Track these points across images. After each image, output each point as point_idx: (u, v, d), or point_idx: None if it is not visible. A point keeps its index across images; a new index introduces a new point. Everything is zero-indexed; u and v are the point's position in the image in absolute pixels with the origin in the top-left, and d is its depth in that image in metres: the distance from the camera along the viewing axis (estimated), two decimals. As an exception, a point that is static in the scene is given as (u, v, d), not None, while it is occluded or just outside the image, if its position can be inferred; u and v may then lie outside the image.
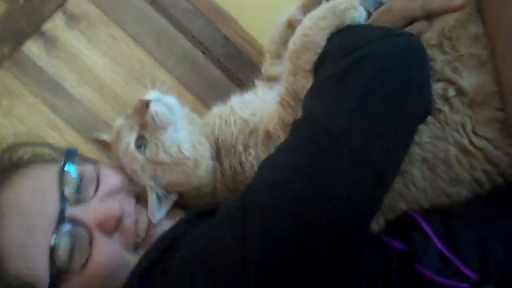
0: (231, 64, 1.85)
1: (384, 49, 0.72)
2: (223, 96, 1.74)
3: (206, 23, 1.83)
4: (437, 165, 0.84)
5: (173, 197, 0.93)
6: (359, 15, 0.80)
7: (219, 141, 0.93)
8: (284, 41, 0.98)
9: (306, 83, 0.80)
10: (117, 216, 0.87)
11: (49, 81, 1.72)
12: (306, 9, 0.94)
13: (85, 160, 0.97)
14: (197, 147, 0.90)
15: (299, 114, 0.79)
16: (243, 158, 0.89)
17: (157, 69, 1.79)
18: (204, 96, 1.79)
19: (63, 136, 1.72)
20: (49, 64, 1.71)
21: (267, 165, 0.75)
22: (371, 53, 0.71)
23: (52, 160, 0.97)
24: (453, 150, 0.83)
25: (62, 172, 0.87)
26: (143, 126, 0.89)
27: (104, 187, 0.91)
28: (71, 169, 0.91)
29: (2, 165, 0.90)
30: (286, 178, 0.69)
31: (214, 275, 0.70)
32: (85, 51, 1.74)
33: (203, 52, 1.84)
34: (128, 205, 0.91)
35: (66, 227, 0.82)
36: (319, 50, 0.78)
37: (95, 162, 0.96)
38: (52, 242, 0.80)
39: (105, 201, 0.89)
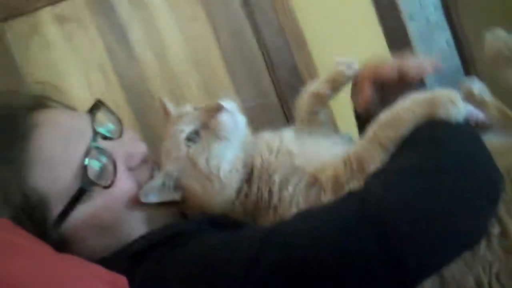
0: (287, 91, 1.84)
1: (476, 178, 0.72)
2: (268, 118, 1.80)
3: (284, 43, 1.82)
4: (450, 285, 0.83)
5: (176, 196, 0.92)
6: (456, 112, 0.78)
7: (257, 164, 0.92)
8: (311, 111, 0.99)
9: (376, 156, 0.79)
10: (144, 152, 0.92)
11: (119, 26, 1.72)
12: (334, 84, 0.95)
13: (110, 112, 0.98)
14: (233, 173, 0.89)
15: (356, 180, 0.80)
16: (275, 188, 0.88)
17: (219, 61, 1.78)
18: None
19: (105, 82, 1.72)
20: (126, 11, 1.71)
21: (307, 217, 0.75)
22: (462, 176, 0.71)
23: None
24: (471, 282, 0.82)
25: (91, 109, 0.92)
26: (204, 125, 0.89)
27: (129, 136, 0.95)
28: (102, 116, 0.95)
29: (36, 96, 0.92)
30: (314, 240, 0.69)
31: None
32: (165, 18, 1.74)
33: (267, 69, 1.83)
34: (150, 154, 0.96)
35: (96, 152, 0.84)
36: (402, 132, 0.78)
37: (118, 117, 0.97)
38: (86, 160, 0.83)
39: (134, 140, 0.94)
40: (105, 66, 1.74)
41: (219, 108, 0.88)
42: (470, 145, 0.78)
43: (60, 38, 1.71)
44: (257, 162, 0.91)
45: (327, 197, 0.83)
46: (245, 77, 1.85)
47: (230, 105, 0.89)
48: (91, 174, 0.82)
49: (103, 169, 0.85)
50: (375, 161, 0.80)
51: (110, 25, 1.74)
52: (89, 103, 0.97)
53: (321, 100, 0.97)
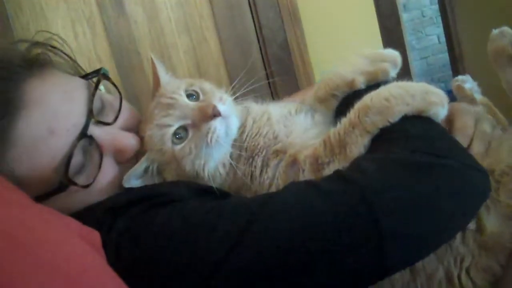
0: (276, 66, 1.83)
1: (465, 175, 0.72)
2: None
3: (277, 17, 1.82)
4: (420, 274, 0.84)
5: (158, 180, 0.90)
6: (442, 114, 0.80)
7: (245, 144, 0.90)
8: (332, 94, 0.96)
9: (359, 140, 0.79)
10: (134, 148, 0.87)
11: None
12: (370, 78, 0.92)
13: (113, 85, 0.94)
14: (217, 172, 0.87)
15: (337, 162, 0.80)
16: (256, 172, 0.87)
17: (211, 29, 1.77)
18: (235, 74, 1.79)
19: (92, 35, 1.68)
20: None
21: (296, 192, 0.73)
22: (453, 171, 0.71)
23: (73, 74, 0.94)
24: (441, 273, 0.84)
25: (95, 88, 0.85)
26: (194, 124, 0.86)
27: (124, 118, 0.90)
28: (102, 90, 0.90)
29: (30, 58, 0.86)
30: (305, 217, 0.69)
31: (182, 261, 0.69)
32: None
33: (258, 42, 1.83)
34: (140, 144, 0.90)
35: (85, 142, 0.80)
36: (391, 120, 0.77)
37: (120, 92, 0.93)
38: (69, 150, 0.77)
39: (126, 132, 0.88)
40: (93, 19, 1.70)
41: (213, 113, 0.84)
42: (458, 146, 0.79)
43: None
44: (245, 141, 0.90)
45: (305, 177, 0.82)
46: (235, 47, 1.83)
47: (224, 108, 0.86)
48: (74, 165, 0.78)
49: (87, 162, 0.81)
50: (359, 145, 0.80)
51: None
52: (71, 53, 0.94)
53: (349, 87, 0.92)
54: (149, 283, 0.69)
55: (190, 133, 0.85)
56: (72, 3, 1.68)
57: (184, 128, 0.85)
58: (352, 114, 0.82)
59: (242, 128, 0.92)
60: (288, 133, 0.90)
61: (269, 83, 1.86)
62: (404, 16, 4.56)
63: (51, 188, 0.77)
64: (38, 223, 0.62)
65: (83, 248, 0.63)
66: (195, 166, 0.85)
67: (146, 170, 0.87)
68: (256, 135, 0.90)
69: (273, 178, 0.86)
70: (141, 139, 0.90)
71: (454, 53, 3.77)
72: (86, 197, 0.81)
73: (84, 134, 0.80)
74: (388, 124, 0.78)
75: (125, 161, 0.86)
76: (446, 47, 4.28)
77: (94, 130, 0.82)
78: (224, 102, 0.86)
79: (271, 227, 0.69)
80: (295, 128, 0.91)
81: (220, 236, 0.69)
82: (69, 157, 0.78)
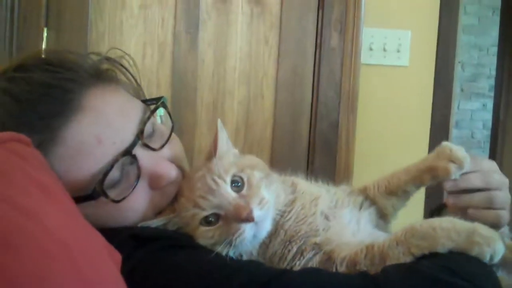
0: (320, 143, 1.85)
1: None
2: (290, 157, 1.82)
3: (335, 97, 1.86)
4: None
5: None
6: (490, 253, 0.78)
7: (283, 224, 0.89)
8: (404, 190, 0.95)
9: (401, 258, 0.79)
10: (171, 179, 0.87)
11: (195, 17, 1.78)
12: (434, 175, 0.92)
13: (168, 115, 0.96)
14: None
15: (373, 271, 0.79)
16: (288, 257, 0.87)
17: (270, 88, 1.84)
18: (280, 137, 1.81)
19: (159, 61, 1.76)
20: (208, 6, 1.79)
21: (316, 277, 0.77)
22: None
23: (134, 95, 0.97)
24: None
25: (151, 113, 0.86)
26: (226, 217, 0.86)
27: (170, 148, 0.91)
28: (158, 116, 0.92)
29: (100, 70, 0.90)
30: None
31: None
32: (239, 28, 1.81)
33: (310, 114, 1.86)
34: (180, 178, 0.91)
35: (127, 159, 0.82)
36: (432, 251, 0.77)
37: (173, 123, 0.95)
38: (110, 163, 0.79)
39: (168, 162, 0.89)
40: (165, 46, 1.75)
41: (247, 218, 0.82)
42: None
43: (136, 3, 1.74)
44: (284, 223, 0.89)
45: None
46: (287, 113, 1.86)
47: (260, 214, 0.85)
48: (110, 178, 0.80)
49: (123, 179, 0.83)
50: (399, 262, 0.79)
51: (187, 10, 1.77)
52: (137, 76, 0.96)
53: (418, 183, 0.92)
54: None
55: (220, 222, 0.84)
56: (151, 26, 1.75)
57: (216, 214, 0.85)
58: (399, 232, 0.81)
59: (288, 208, 0.90)
60: (326, 227, 0.89)
61: (308, 156, 1.88)
62: (454, 132, 4.57)
63: (83, 194, 0.79)
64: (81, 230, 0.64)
65: (111, 264, 0.63)
66: (213, 248, 0.84)
67: (164, 225, 0.87)
68: (300, 221, 0.89)
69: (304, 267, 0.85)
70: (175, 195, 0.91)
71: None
72: (112, 213, 0.83)
73: (128, 152, 0.81)
74: (431, 250, 0.77)
75: (158, 188, 0.87)
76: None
77: (139, 152, 0.83)
78: (263, 207, 0.84)
79: None
80: (335, 223, 0.90)
81: (235, 285, 0.72)
82: (108, 169, 0.79)
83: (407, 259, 0.78)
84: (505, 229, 1.00)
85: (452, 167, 0.88)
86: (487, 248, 0.76)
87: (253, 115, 1.83)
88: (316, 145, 1.88)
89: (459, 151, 0.89)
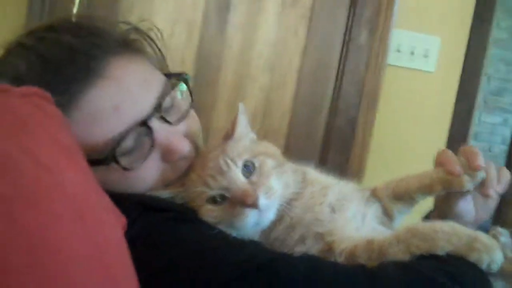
0: (335, 138, 1.85)
1: None
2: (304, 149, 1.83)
3: (357, 94, 1.85)
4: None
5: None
6: (488, 261, 0.79)
7: (290, 211, 0.90)
8: (411, 197, 0.96)
9: (400, 256, 0.80)
10: (183, 154, 0.88)
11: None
12: (446, 186, 0.90)
13: (189, 92, 0.97)
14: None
15: (369, 263, 0.81)
16: (290, 242, 0.88)
17: (293, 78, 1.83)
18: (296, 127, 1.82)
19: (187, 39, 1.76)
20: None
21: (315, 265, 0.78)
22: None
23: (157, 68, 0.98)
24: None
25: (172, 87, 0.88)
26: (232, 198, 0.89)
27: (187, 125, 0.92)
28: (178, 92, 0.93)
29: (127, 40, 0.90)
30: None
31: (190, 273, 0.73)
32: (270, 14, 1.80)
33: (330, 108, 1.86)
34: (192, 154, 0.93)
35: (142, 130, 0.83)
36: (431, 252, 0.78)
37: (192, 100, 0.96)
38: (125, 131, 0.81)
39: (183, 137, 0.90)
40: (194, 25, 1.76)
41: (252, 204, 0.83)
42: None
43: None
44: (292, 210, 0.90)
45: None
46: (307, 104, 1.87)
47: (266, 203, 0.86)
48: (123, 146, 0.82)
49: (136, 149, 0.84)
50: (396, 258, 0.80)
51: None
52: (163, 50, 0.97)
53: (427, 192, 0.93)
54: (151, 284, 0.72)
55: (225, 204, 0.85)
56: (182, 4, 1.76)
57: (223, 195, 0.86)
58: (401, 230, 0.82)
59: (296, 196, 0.91)
60: (331, 219, 0.90)
61: (322, 151, 1.88)
62: (472, 143, 4.53)
63: (94, 158, 0.80)
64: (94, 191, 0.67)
65: (116, 226, 0.66)
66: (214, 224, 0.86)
67: (172, 197, 0.89)
68: (307, 209, 0.90)
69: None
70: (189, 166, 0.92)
71: (505, 199, 3.66)
72: (122, 181, 0.85)
73: (144, 123, 0.83)
74: (430, 252, 0.78)
75: (169, 161, 0.88)
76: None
77: (154, 124, 0.85)
78: (269, 196, 0.85)
79: (285, 273, 0.73)
80: (340, 216, 0.91)
81: (233, 262, 0.74)
82: (122, 137, 0.81)
83: (405, 257, 0.79)
84: (508, 241, 1.00)
85: (468, 181, 0.88)
86: (485, 255, 0.77)
87: (272, 103, 1.83)
88: (332, 140, 1.88)
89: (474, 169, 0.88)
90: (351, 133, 1.89)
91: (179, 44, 1.75)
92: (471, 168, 0.87)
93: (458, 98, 2.09)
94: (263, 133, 1.87)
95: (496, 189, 0.92)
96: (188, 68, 1.75)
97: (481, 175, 0.88)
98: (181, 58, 1.76)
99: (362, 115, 1.87)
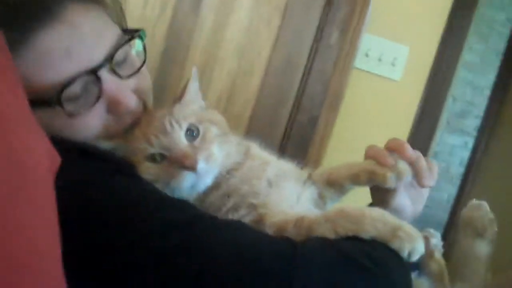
0: (296, 132, 1.88)
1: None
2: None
3: (322, 94, 1.87)
4: None
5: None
6: (408, 249, 0.81)
7: (228, 180, 0.91)
8: (341, 185, 0.98)
9: (327, 234, 0.81)
10: (130, 108, 0.90)
11: None
12: (371, 178, 0.94)
13: (144, 50, 0.97)
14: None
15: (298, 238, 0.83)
16: (222, 208, 0.89)
17: (261, 68, 1.85)
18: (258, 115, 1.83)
19: (158, 14, 1.75)
20: None
21: (240, 229, 0.79)
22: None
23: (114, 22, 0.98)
24: None
25: (126, 41, 0.88)
26: (171, 159, 0.87)
27: (137, 81, 0.93)
28: (132, 46, 0.93)
29: None
30: (230, 254, 0.73)
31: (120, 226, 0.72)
32: (244, 4, 1.81)
33: (293, 103, 1.88)
34: (139, 110, 0.94)
35: (90, 78, 0.83)
36: (359, 235, 0.80)
37: (145, 58, 0.96)
38: (72, 77, 0.81)
39: (131, 92, 0.91)
40: (168, 1, 1.75)
41: (189, 167, 0.85)
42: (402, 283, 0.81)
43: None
44: (230, 178, 0.91)
45: None
46: (272, 96, 1.88)
47: (204, 167, 0.86)
48: (69, 91, 0.81)
49: (82, 96, 0.84)
50: (320, 235, 0.82)
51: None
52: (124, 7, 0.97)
53: (355, 181, 0.96)
54: (76, 233, 0.71)
55: (164, 163, 0.87)
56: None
57: (163, 155, 0.87)
58: (331, 211, 0.84)
59: (236, 167, 0.93)
60: (267, 193, 0.91)
61: (281, 144, 1.90)
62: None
63: (39, 98, 0.79)
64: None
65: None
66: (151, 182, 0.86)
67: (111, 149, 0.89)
68: (244, 181, 0.91)
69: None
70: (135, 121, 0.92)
71: (453, 215, 3.77)
72: (65, 127, 0.85)
73: (94, 72, 0.83)
74: (355, 234, 0.80)
75: (114, 113, 0.89)
76: (450, 208, 4.28)
77: (104, 74, 0.85)
78: (208, 161, 0.86)
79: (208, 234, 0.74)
80: (276, 191, 0.93)
81: (159, 221, 0.73)
82: (70, 82, 0.81)
83: (331, 237, 0.81)
84: (439, 243, 1.04)
85: (391, 177, 0.91)
86: (407, 244, 0.79)
87: (238, 89, 1.84)
88: (292, 135, 1.89)
89: (402, 164, 0.92)
90: (311, 130, 1.90)
91: (151, 17, 1.73)
92: (404, 158, 0.92)
93: (422, 115, 2.12)
94: (226, 117, 1.85)
95: (429, 180, 0.95)
96: (158, 43, 1.74)
97: (407, 175, 0.91)
98: (151, 32, 1.74)
99: (324, 114, 1.89)
